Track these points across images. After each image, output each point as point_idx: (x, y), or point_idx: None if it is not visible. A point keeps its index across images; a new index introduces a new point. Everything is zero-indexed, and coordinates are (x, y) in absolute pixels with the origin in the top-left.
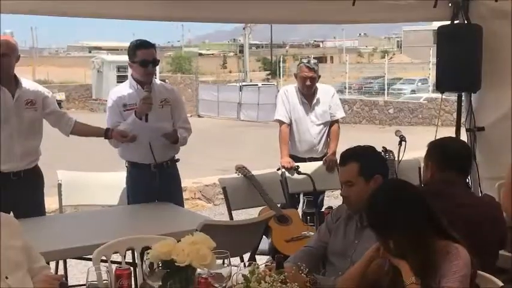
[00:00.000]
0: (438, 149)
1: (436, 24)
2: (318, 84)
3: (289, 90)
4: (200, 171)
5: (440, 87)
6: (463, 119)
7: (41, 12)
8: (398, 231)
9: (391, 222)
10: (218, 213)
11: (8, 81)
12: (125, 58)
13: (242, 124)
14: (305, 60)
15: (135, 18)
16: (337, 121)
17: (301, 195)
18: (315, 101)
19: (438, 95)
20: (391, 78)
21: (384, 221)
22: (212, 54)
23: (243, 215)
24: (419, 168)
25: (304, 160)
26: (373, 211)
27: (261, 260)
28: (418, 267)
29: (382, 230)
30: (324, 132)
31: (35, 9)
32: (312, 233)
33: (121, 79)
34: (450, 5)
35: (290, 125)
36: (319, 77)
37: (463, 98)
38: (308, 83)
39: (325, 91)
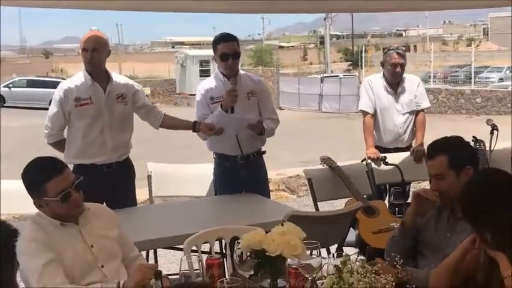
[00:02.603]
0: None
1: None
2: (405, 75)
3: (373, 80)
4: (283, 163)
5: None
6: None
7: (125, 8)
8: (495, 222)
9: (488, 213)
10: (303, 204)
11: (99, 76)
12: (207, 52)
13: (323, 116)
14: (393, 47)
15: (216, 12)
16: (422, 111)
17: (387, 186)
18: (400, 89)
19: None
20: (477, 66)
21: (481, 212)
22: (292, 46)
23: (327, 207)
24: None
25: (389, 150)
26: (469, 202)
27: (349, 251)
28: None
29: (479, 222)
30: (410, 121)
31: (120, 6)
32: None
33: (204, 73)
34: None
35: (375, 115)
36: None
37: None
38: (398, 69)
39: (410, 80)
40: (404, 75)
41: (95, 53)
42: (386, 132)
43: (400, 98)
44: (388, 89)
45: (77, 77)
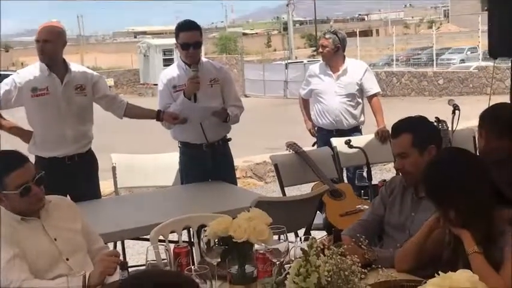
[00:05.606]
0: (491, 117)
1: None
2: (349, 59)
3: (313, 65)
4: (250, 150)
5: (492, 53)
6: None
7: None
8: (459, 200)
9: (452, 191)
10: (270, 191)
11: (56, 67)
12: (170, 41)
13: (289, 102)
14: (329, 30)
15: None
16: (375, 95)
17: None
18: (340, 72)
19: (489, 63)
20: (439, 48)
21: (444, 191)
22: (256, 33)
23: (294, 192)
24: (474, 137)
25: (332, 133)
26: (432, 181)
27: (316, 235)
28: (481, 236)
29: (442, 200)
30: (349, 104)
31: None
32: (367, 207)
33: (167, 62)
34: None
35: (314, 98)
36: (344, 48)
37: None
38: (323, 50)
39: (355, 65)
40: (350, 60)
41: (47, 44)
42: (326, 114)
43: (339, 80)
44: (327, 71)
45: (33, 67)
